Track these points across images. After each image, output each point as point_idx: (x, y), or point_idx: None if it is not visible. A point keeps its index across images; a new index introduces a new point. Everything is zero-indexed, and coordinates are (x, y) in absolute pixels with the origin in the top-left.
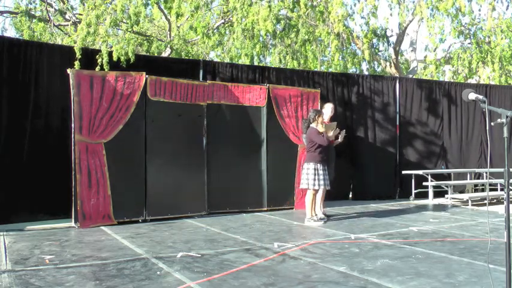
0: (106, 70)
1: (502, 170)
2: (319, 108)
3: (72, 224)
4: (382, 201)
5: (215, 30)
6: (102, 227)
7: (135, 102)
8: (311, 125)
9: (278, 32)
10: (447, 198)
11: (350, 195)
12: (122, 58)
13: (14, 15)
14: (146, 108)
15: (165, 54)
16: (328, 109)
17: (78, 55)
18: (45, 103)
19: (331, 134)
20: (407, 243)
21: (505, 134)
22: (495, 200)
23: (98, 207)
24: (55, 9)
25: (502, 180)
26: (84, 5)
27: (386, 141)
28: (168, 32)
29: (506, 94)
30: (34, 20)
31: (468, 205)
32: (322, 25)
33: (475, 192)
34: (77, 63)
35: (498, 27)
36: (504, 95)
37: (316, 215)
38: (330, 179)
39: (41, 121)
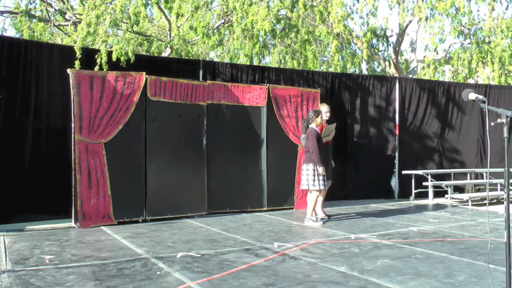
0: (105, 70)
1: (501, 170)
2: (318, 108)
3: (72, 224)
4: (382, 201)
5: (215, 30)
6: (102, 227)
7: (135, 102)
8: (310, 126)
9: (278, 32)
10: (447, 198)
11: (349, 195)
12: (122, 58)
13: (14, 15)
14: (146, 108)
15: (165, 54)
16: (323, 110)
17: (78, 55)
18: (46, 103)
19: (329, 137)
20: (407, 243)
21: (505, 134)
22: (495, 200)
23: (98, 207)
24: (55, 9)
25: (502, 180)
26: (84, 5)
27: (386, 141)
28: (168, 32)
29: (506, 94)
30: (34, 20)
31: (468, 205)
32: (322, 25)
33: (475, 192)
34: (77, 63)
35: (498, 28)
36: (504, 95)
37: (316, 214)
38: (328, 178)
39: (41, 121)
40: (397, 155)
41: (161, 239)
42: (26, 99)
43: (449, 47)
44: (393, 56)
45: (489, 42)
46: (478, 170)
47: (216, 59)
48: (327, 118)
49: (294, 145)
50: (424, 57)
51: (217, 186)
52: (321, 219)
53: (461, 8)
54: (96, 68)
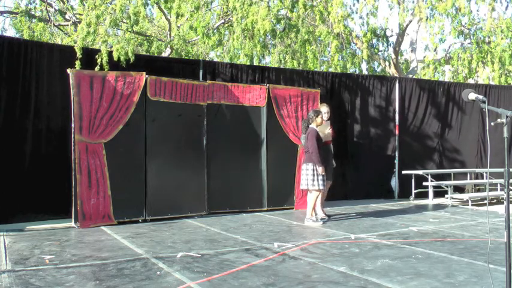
0: (106, 70)
1: (501, 170)
2: (318, 108)
3: (72, 224)
4: (382, 201)
5: (215, 30)
6: (102, 227)
7: (135, 102)
8: (310, 126)
9: (278, 32)
10: (447, 198)
11: (349, 195)
12: (122, 58)
13: (14, 15)
14: (146, 108)
15: (165, 54)
16: (322, 110)
17: (78, 55)
18: (46, 103)
19: (327, 137)
20: (407, 243)
21: (505, 134)
22: (495, 200)
23: (98, 207)
24: (55, 9)
25: (502, 180)
26: (84, 5)
27: (386, 141)
28: (168, 32)
29: (506, 94)
30: (34, 20)
31: (468, 205)
32: (322, 25)
33: (475, 192)
34: (77, 63)
35: (498, 28)
36: (504, 95)
37: (316, 214)
38: (328, 179)
39: (41, 121)
40: (397, 155)
41: (161, 239)
42: (26, 99)
43: (449, 47)
44: (393, 56)
45: (489, 42)
46: (478, 170)
47: (216, 59)
48: (326, 119)
49: (294, 145)
50: (424, 57)
51: (217, 186)
52: (321, 219)
53: (462, 8)
54: (97, 68)
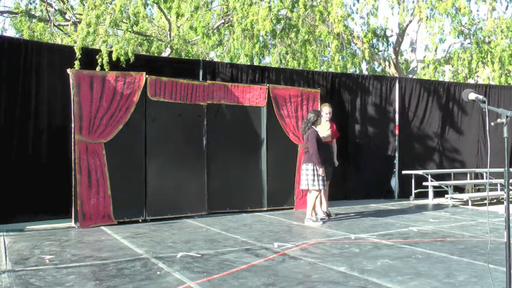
0: (106, 70)
1: (501, 170)
2: (319, 109)
3: (72, 224)
4: (382, 201)
5: (215, 30)
6: (102, 227)
7: (135, 102)
8: (312, 127)
9: (278, 32)
10: (447, 198)
11: (349, 195)
12: (122, 58)
13: (14, 15)
14: (146, 108)
15: (165, 54)
16: (324, 110)
17: (78, 55)
18: (46, 103)
19: (325, 133)
20: (407, 243)
21: (505, 134)
22: (495, 200)
23: (98, 207)
24: (55, 9)
25: (502, 180)
26: (84, 5)
27: (386, 141)
28: (168, 32)
29: (506, 94)
30: (34, 20)
31: (468, 205)
32: (322, 25)
33: (475, 192)
34: (77, 63)
35: (498, 28)
36: (504, 95)
37: (316, 214)
38: (327, 178)
39: (41, 121)
40: (397, 155)
41: (161, 239)
42: (26, 99)
43: (449, 47)
44: (393, 56)
45: (489, 42)
46: (478, 170)
47: (216, 59)
48: (328, 119)
49: (294, 145)
50: (424, 57)
51: (217, 186)
52: (321, 219)
53: (462, 8)
54: (98, 68)
